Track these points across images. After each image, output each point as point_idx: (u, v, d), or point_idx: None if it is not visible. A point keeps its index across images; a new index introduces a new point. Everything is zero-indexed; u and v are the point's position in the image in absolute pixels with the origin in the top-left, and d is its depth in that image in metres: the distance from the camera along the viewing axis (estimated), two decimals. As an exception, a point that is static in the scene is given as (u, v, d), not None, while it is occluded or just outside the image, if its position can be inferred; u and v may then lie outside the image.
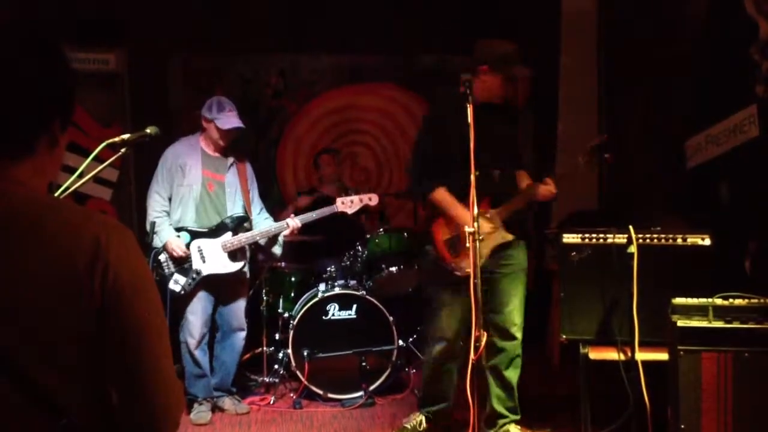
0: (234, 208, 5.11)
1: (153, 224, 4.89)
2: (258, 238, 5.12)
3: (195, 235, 4.97)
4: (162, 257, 4.93)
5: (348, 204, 5.18)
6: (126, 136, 3.16)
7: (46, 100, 1.42)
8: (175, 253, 4.90)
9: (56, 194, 2.91)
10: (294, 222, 5.10)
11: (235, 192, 5.14)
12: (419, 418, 4.61)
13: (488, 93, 4.35)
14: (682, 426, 3.29)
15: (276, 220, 5.29)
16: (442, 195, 4.26)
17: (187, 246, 4.94)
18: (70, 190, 2.96)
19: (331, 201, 5.34)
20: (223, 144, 5.07)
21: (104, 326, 1.36)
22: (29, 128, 1.40)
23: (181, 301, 4.98)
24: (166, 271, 4.92)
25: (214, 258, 4.98)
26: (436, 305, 4.42)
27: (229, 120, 4.99)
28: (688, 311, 3.38)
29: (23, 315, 1.32)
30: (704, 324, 3.33)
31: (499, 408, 4.49)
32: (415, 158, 4.42)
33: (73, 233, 1.36)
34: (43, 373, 1.32)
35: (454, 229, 4.26)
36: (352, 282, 5.59)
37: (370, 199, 5.25)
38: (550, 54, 7.01)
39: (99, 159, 3.10)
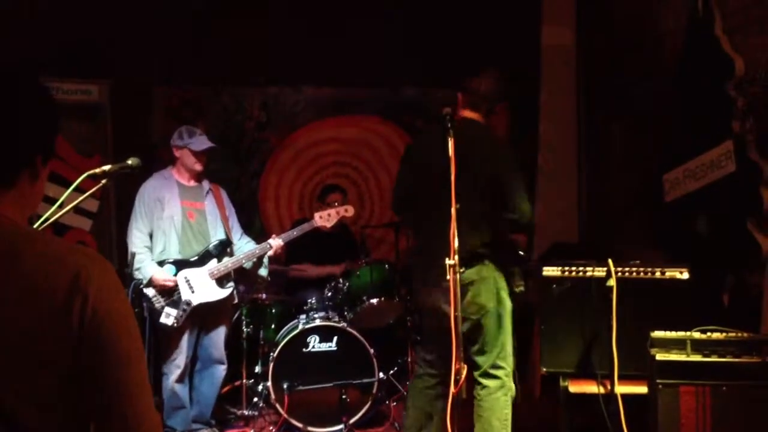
0: (216, 235, 5.13)
1: (134, 256, 4.87)
2: (243, 261, 5.12)
3: (180, 265, 4.96)
4: (150, 292, 4.89)
5: (325, 217, 5.24)
6: (107, 167, 3.17)
7: (29, 136, 1.43)
8: (164, 287, 4.87)
9: (36, 225, 2.91)
10: (276, 241, 5.13)
11: (216, 218, 5.17)
12: None
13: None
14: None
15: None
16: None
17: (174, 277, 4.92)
18: (51, 220, 2.95)
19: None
20: (200, 168, 5.10)
21: (83, 359, 1.35)
22: (10, 163, 1.41)
23: (166, 333, 4.94)
24: (156, 305, 4.88)
25: (202, 287, 4.97)
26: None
27: (202, 142, 5.05)
28: (666, 345, 3.41)
29: (12, 343, 1.32)
30: (683, 357, 3.35)
31: None
32: (523, 184, 4.25)
33: (52, 266, 1.36)
34: (19, 407, 1.32)
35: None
36: (333, 314, 5.58)
37: (346, 211, 5.38)
38: (529, 89, 7.08)
39: (79, 189, 3.10)
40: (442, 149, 3.78)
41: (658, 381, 3.34)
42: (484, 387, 4.24)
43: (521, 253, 4.21)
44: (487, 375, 4.24)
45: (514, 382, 4.33)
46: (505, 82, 4.40)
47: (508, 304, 4.21)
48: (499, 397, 4.24)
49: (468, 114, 4.33)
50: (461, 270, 3.67)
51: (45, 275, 1.35)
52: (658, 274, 3.93)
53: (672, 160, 5.21)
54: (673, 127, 5.34)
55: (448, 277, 3.62)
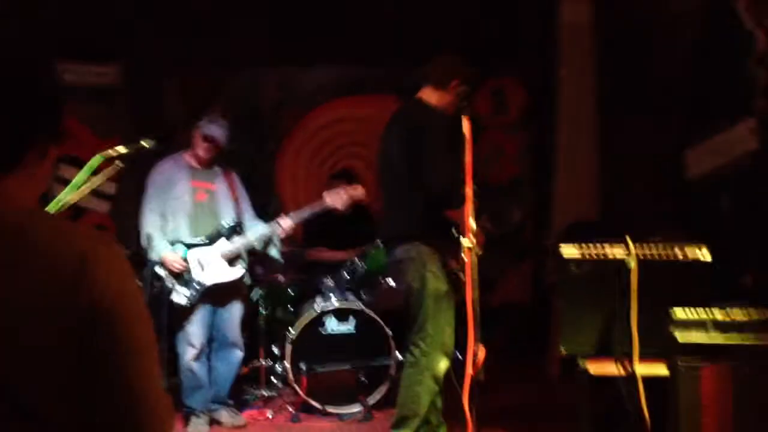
0: (226, 215, 5.11)
1: (148, 237, 4.89)
2: (254, 242, 5.11)
3: (191, 246, 4.96)
4: (161, 271, 4.91)
5: (335, 197, 5.16)
6: (120, 148, 3.15)
7: (34, 114, 1.41)
8: (173, 268, 4.88)
9: (51, 206, 2.89)
10: (285, 221, 5.11)
11: (227, 200, 5.16)
12: None
13: (451, 107, 4.37)
14: (682, 440, 3.26)
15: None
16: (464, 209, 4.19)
17: (185, 259, 4.92)
18: (67, 203, 2.94)
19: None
20: (203, 155, 5.08)
21: (92, 342, 1.33)
22: (17, 142, 1.40)
23: (180, 312, 4.95)
24: (168, 284, 4.91)
25: (213, 267, 4.97)
26: (447, 319, 4.28)
27: (212, 129, 5.03)
28: (687, 325, 3.36)
29: (7, 331, 1.30)
30: (703, 338, 3.30)
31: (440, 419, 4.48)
32: (445, 158, 4.16)
33: (59, 248, 1.34)
34: (28, 392, 1.30)
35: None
36: (350, 295, 5.57)
37: (354, 189, 5.27)
38: (548, 67, 7.01)
39: (96, 172, 3.08)
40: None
41: (678, 362, 3.29)
42: (405, 361, 4.37)
43: (455, 231, 4.12)
44: (407, 349, 4.37)
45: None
46: (458, 62, 4.47)
47: (432, 286, 4.21)
48: (410, 373, 4.29)
49: (423, 92, 4.42)
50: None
51: (52, 258, 1.32)
52: (678, 253, 3.86)
53: (693, 136, 5.14)
54: (694, 104, 5.26)
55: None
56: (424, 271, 4.20)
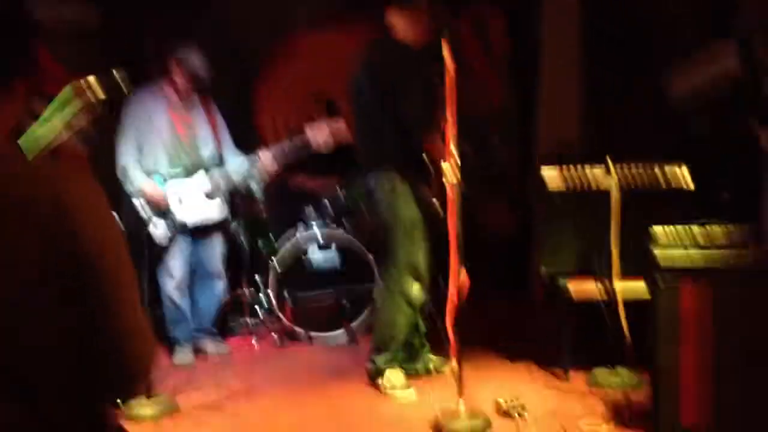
0: (206, 149, 5.05)
1: (124, 169, 4.81)
2: (232, 175, 5.06)
3: (169, 178, 4.90)
4: (138, 202, 4.86)
5: (317, 130, 5.06)
6: (91, 78, 3.08)
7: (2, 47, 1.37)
8: (153, 199, 4.85)
9: (23, 141, 2.84)
10: (265, 154, 5.06)
11: (207, 132, 5.09)
12: (397, 374, 4.36)
13: (422, 34, 4.31)
14: (662, 357, 3.31)
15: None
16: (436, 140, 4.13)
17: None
18: (41, 138, 2.89)
19: None
20: (184, 89, 4.98)
21: (73, 279, 1.32)
22: None
23: (158, 244, 4.93)
24: (145, 216, 4.86)
25: (192, 201, 4.94)
26: (420, 245, 4.29)
27: (194, 62, 4.91)
28: (666, 240, 3.36)
29: None
30: (683, 257, 3.32)
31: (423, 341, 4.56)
32: (418, 90, 4.13)
33: (32, 186, 1.32)
34: (12, 332, 1.29)
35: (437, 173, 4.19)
36: (331, 222, 5.56)
37: (337, 123, 5.13)
38: (530, 5, 6.90)
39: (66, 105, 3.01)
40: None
41: (658, 279, 3.31)
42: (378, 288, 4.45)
43: (425, 157, 4.12)
44: (380, 276, 4.44)
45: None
46: None
47: (402, 213, 4.22)
48: (384, 298, 4.37)
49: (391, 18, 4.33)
50: None
51: (26, 197, 1.30)
52: (657, 171, 3.87)
53: (672, 60, 5.11)
54: (673, 25, 5.21)
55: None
56: (395, 199, 4.20)
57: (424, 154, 4.08)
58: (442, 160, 4.01)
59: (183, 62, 4.93)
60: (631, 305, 3.83)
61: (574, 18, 6.83)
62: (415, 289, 4.27)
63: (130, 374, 1.43)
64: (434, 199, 4.14)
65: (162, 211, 4.89)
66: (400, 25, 4.28)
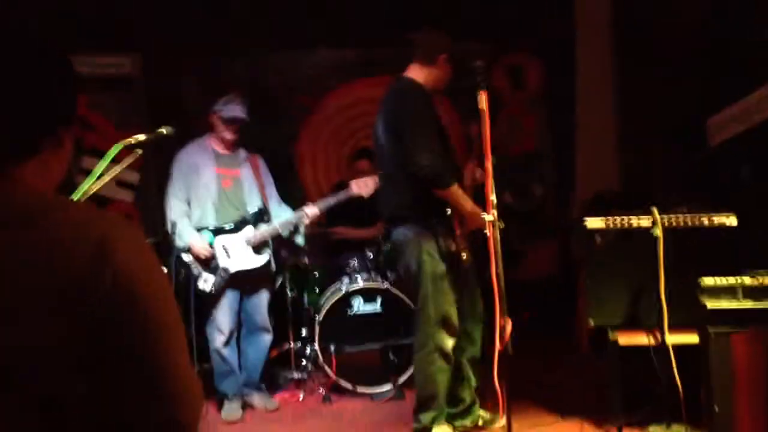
0: (252, 202, 5.12)
1: (174, 225, 4.90)
2: (279, 229, 5.12)
3: (217, 233, 4.98)
4: (187, 258, 4.94)
5: (362, 186, 5.13)
6: (140, 136, 3.16)
7: (47, 100, 1.40)
8: (201, 255, 4.90)
9: (75, 197, 2.90)
10: (311, 209, 5.11)
11: (252, 186, 5.16)
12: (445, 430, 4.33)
13: (440, 83, 4.33)
14: (716, 408, 3.24)
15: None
16: (456, 188, 4.09)
17: (211, 245, 4.94)
18: (88, 192, 2.95)
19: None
20: (229, 137, 5.07)
21: (115, 328, 1.31)
22: (32, 129, 1.39)
23: (207, 298, 4.99)
24: (195, 271, 4.93)
25: (239, 254, 4.99)
26: (449, 299, 4.24)
27: (233, 110, 4.99)
28: (716, 292, 3.32)
29: (23, 316, 1.28)
30: (734, 304, 3.27)
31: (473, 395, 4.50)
32: (426, 137, 4.06)
33: (76, 232, 1.31)
34: (45, 376, 1.29)
35: (461, 220, 4.16)
36: (376, 275, 5.57)
37: None
38: (565, 40, 6.94)
39: (118, 161, 3.08)
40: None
41: (709, 329, 3.26)
42: (413, 345, 4.42)
43: (448, 211, 4.09)
44: (413, 333, 4.42)
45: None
46: (444, 36, 4.36)
47: (429, 267, 4.18)
48: (419, 356, 4.31)
49: (410, 70, 4.33)
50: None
51: (69, 242, 1.30)
52: (705, 221, 3.82)
53: (714, 104, 5.08)
54: (712, 71, 5.19)
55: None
56: (421, 253, 4.17)
57: (447, 207, 4.08)
58: (470, 208, 4.04)
59: (226, 117, 5.01)
60: (682, 357, 3.76)
61: (609, 60, 6.86)
62: (449, 343, 4.22)
63: (178, 424, 1.40)
64: (459, 248, 4.12)
65: (210, 266, 4.95)
66: (420, 74, 4.29)
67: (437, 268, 4.16)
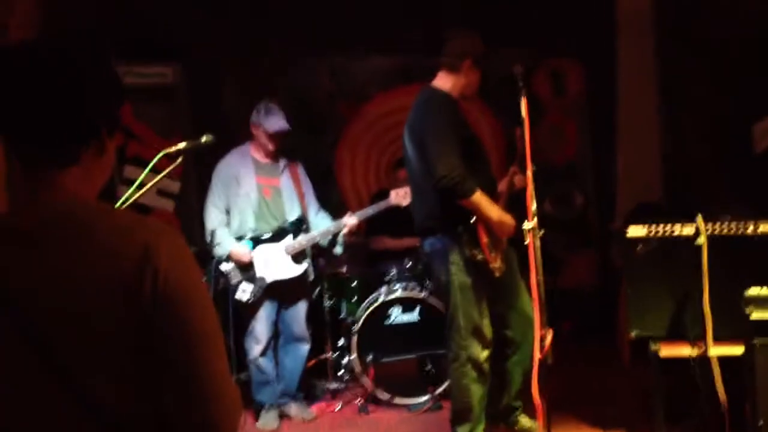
0: (292, 212, 5.13)
1: (213, 233, 4.93)
2: (318, 238, 5.13)
3: (256, 242, 5.00)
4: (226, 267, 4.96)
5: (402, 195, 5.13)
6: (181, 145, 3.18)
7: (90, 108, 1.42)
8: (241, 261, 4.92)
9: (117, 206, 2.93)
10: (351, 219, 5.11)
11: (292, 195, 5.16)
12: None
13: (467, 89, 4.28)
14: (761, 422, 3.17)
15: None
16: (480, 197, 4.01)
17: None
18: (130, 201, 2.98)
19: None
20: (272, 148, 5.08)
21: (157, 332, 1.34)
22: (75, 136, 1.41)
23: (245, 308, 5.00)
24: (233, 280, 4.96)
25: (277, 263, 5.00)
26: (479, 309, 4.20)
27: (276, 122, 5.00)
28: (762, 302, 3.26)
29: (74, 322, 1.32)
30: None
31: (515, 401, 4.49)
32: (446, 146, 3.99)
33: (121, 239, 1.36)
34: (93, 380, 1.32)
35: (489, 229, 4.12)
36: (414, 285, 5.54)
37: None
38: (606, 43, 6.88)
39: (159, 171, 3.10)
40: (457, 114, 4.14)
41: (754, 340, 3.19)
42: (447, 356, 4.37)
43: (472, 219, 4.03)
44: (446, 344, 4.36)
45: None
46: (468, 41, 4.28)
47: (456, 278, 4.14)
48: (453, 367, 4.26)
49: (437, 78, 4.30)
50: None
51: (115, 248, 1.34)
52: (750, 230, 3.75)
53: (759, 109, 4.99)
54: (758, 74, 5.10)
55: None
56: (448, 264, 4.14)
57: (473, 216, 4.03)
58: (496, 216, 4.00)
59: (269, 131, 5.02)
60: (726, 368, 3.69)
61: (651, 64, 6.79)
62: (483, 354, 4.19)
63: (214, 428, 1.41)
64: (487, 258, 4.07)
65: (249, 275, 4.97)
66: (446, 82, 4.26)
67: (464, 279, 4.13)
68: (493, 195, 4.15)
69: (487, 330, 4.19)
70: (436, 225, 4.17)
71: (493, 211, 4.03)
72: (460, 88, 4.26)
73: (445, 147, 3.97)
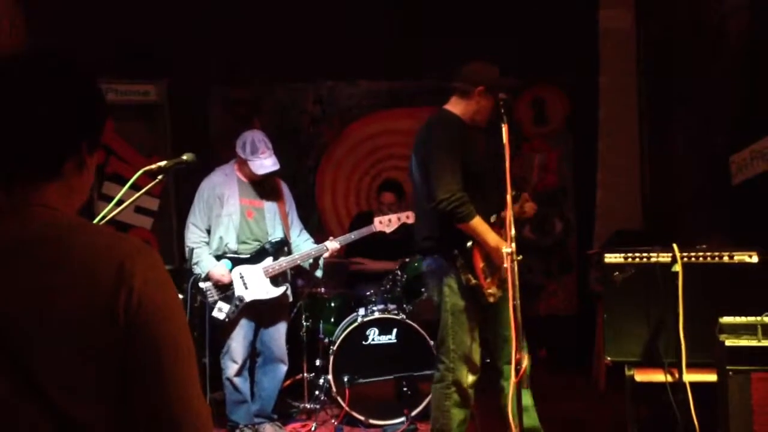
0: (274, 233, 5.12)
1: (191, 252, 4.91)
2: (299, 261, 5.12)
3: (236, 262, 4.98)
4: (204, 285, 4.94)
5: (386, 223, 5.17)
6: (162, 163, 3.17)
7: (72, 122, 1.42)
8: (220, 281, 4.90)
9: (95, 221, 2.92)
10: (333, 244, 5.12)
11: (275, 216, 5.15)
12: None
13: (478, 115, 4.26)
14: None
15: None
16: (478, 222, 4.01)
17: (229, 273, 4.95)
18: (108, 218, 2.97)
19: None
20: (257, 179, 5.08)
21: (130, 350, 1.33)
22: (55, 151, 1.41)
23: (222, 327, 4.98)
24: (210, 299, 4.94)
25: (256, 284, 4.98)
26: (470, 334, 4.19)
27: (263, 165, 4.96)
28: (736, 330, 3.29)
29: (50, 341, 1.30)
30: (753, 343, 3.23)
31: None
32: (447, 168, 4.02)
33: (98, 257, 1.34)
34: (65, 398, 1.30)
35: (486, 254, 4.13)
36: (392, 306, 5.54)
37: (407, 217, 5.23)
38: (588, 73, 6.96)
39: (138, 187, 3.10)
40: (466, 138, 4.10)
41: (728, 368, 3.22)
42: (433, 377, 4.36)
43: (468, 243, 4.05)
44: (433, 365, 4.37)
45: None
46: (481, 68, 4.28)
47: (449, 300, 4.14)
48: (437, 388, 4.25)
49: (450, 102, 4.32)
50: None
51: (91, 266, 1.33)
52: (726, 259, 3.79)
53: (738, 141, 5.05)
54: (738, 107, 5.17)
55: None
56: (442, 286, 4.16)
57: (469, 240, 4.04)
58: (493, 243, 4.00)
59: (256, 171, 4.99)
60: (701, 391, 3.71)
61: (633, 95, 6.86)
62: (469, 379, 4.17)
63: None
64: (480, 283, 4.07)
65: (226, 294, 4.95)
66: (458, 107, 4.27)
67: (458, 302, 4.13)
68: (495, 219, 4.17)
69: (476, 356, 4.18)
70: (434, 246, 4.19)
71: (491, 238, 4.01)
72: (471, 113, 4.24)
73: (446, 170, 3.99)
